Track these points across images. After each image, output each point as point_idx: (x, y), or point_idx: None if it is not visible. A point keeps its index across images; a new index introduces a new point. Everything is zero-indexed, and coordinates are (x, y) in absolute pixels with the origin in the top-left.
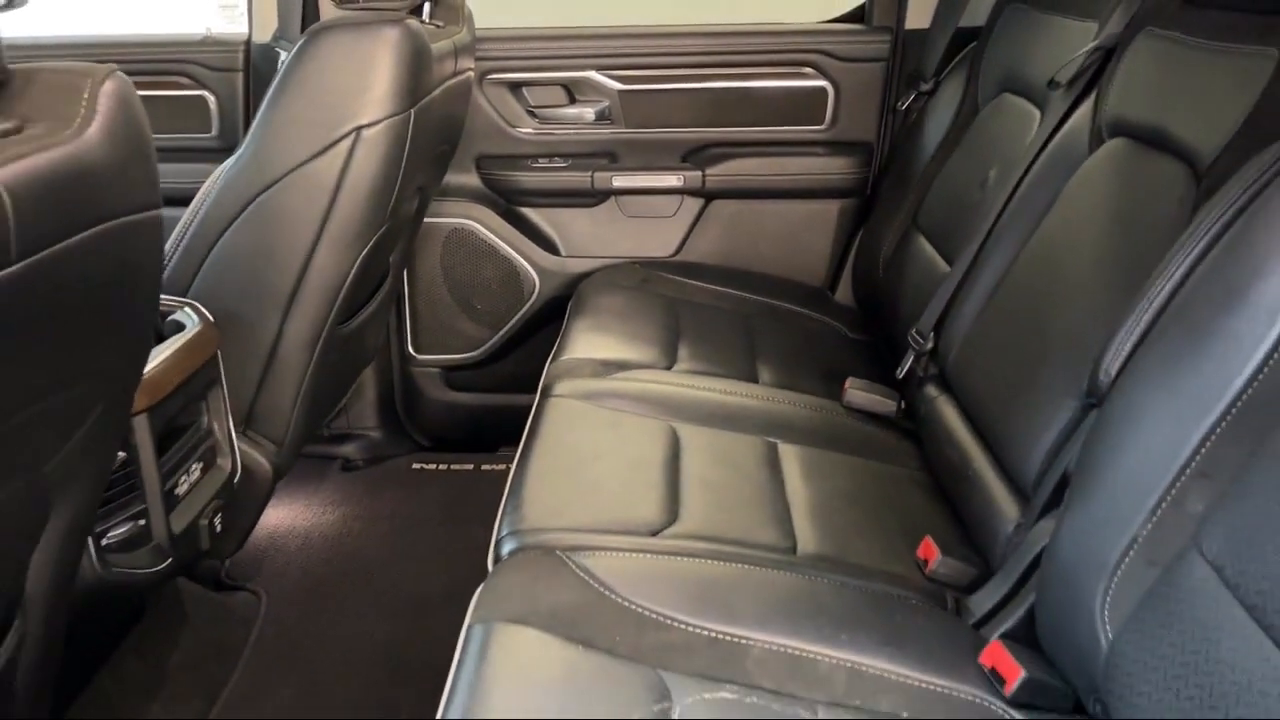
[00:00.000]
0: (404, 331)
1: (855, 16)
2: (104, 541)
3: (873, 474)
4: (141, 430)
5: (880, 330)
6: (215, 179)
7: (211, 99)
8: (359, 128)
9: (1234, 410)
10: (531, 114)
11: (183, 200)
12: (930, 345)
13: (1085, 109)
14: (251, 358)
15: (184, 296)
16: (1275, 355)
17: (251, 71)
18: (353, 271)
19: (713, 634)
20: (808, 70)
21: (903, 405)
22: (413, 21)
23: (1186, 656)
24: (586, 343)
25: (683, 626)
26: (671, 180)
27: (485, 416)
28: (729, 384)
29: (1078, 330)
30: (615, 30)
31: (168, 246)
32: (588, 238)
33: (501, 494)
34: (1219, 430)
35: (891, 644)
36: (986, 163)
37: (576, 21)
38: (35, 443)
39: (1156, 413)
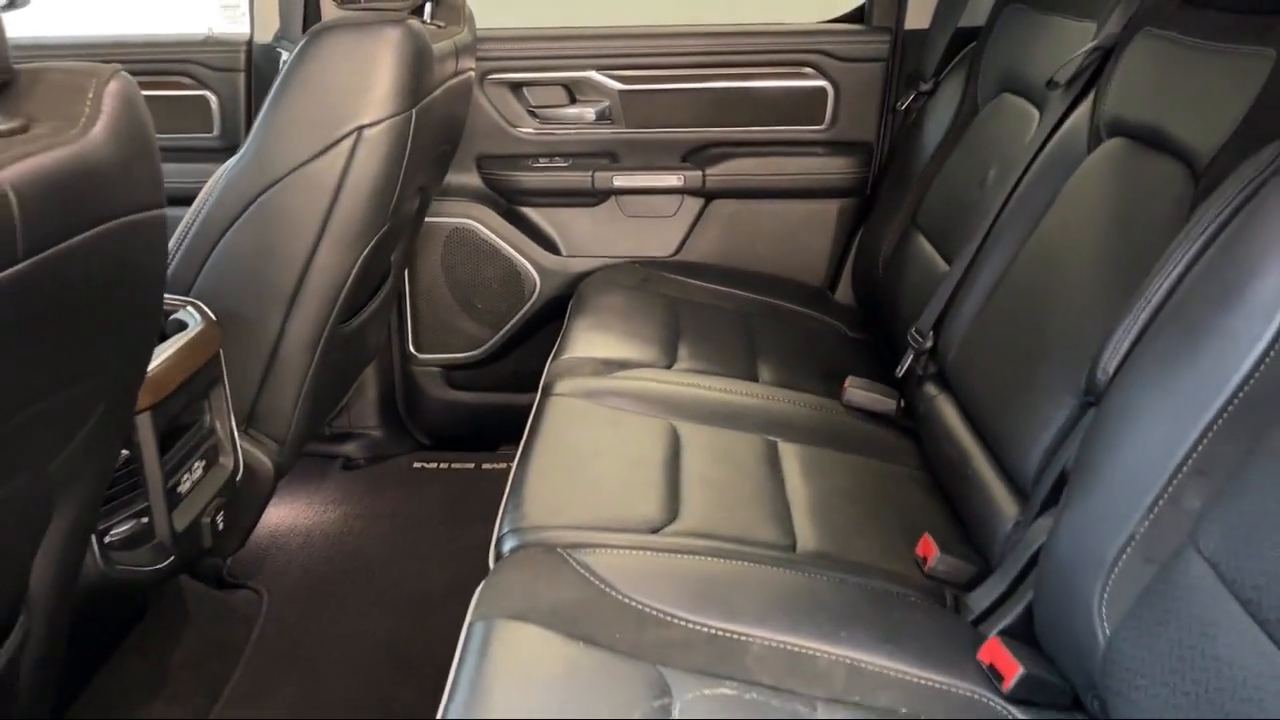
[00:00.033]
0: (405, 331)
1: (855, 17)
2: (107, 539)
3: (872, 472)
4: (144, 428)
5: (880, 329)
6: (217, 179)
7: (213, 99)
8: (360, 127)
9: (1231, 408)
10: (532, 114)
11: (185, 200)
12: (929, 344)
13: (1084, 109)
14: (253, 357)
15: (186, 295)
16: (1272, 353)
17: (253, 71)
18: (354, 271)
19: (712, 631)
20: (808, 70)
21: (902, 404)
22: (414, 22)
23: (1183, 652)
24: (587, 342)
25: (683, 623)
26: (672, 180)
27: (486, 415)
28: (729, 383)
29: (1076, 329)
30: (616, 30)
31: (170, 246)
32: (588, 237)
33: (502, 493)
34: (1216, 428)
35: (890, 641)
36: (986, 162)
37: (577, 22)
38: (39, 441)
39: (1154, 411)
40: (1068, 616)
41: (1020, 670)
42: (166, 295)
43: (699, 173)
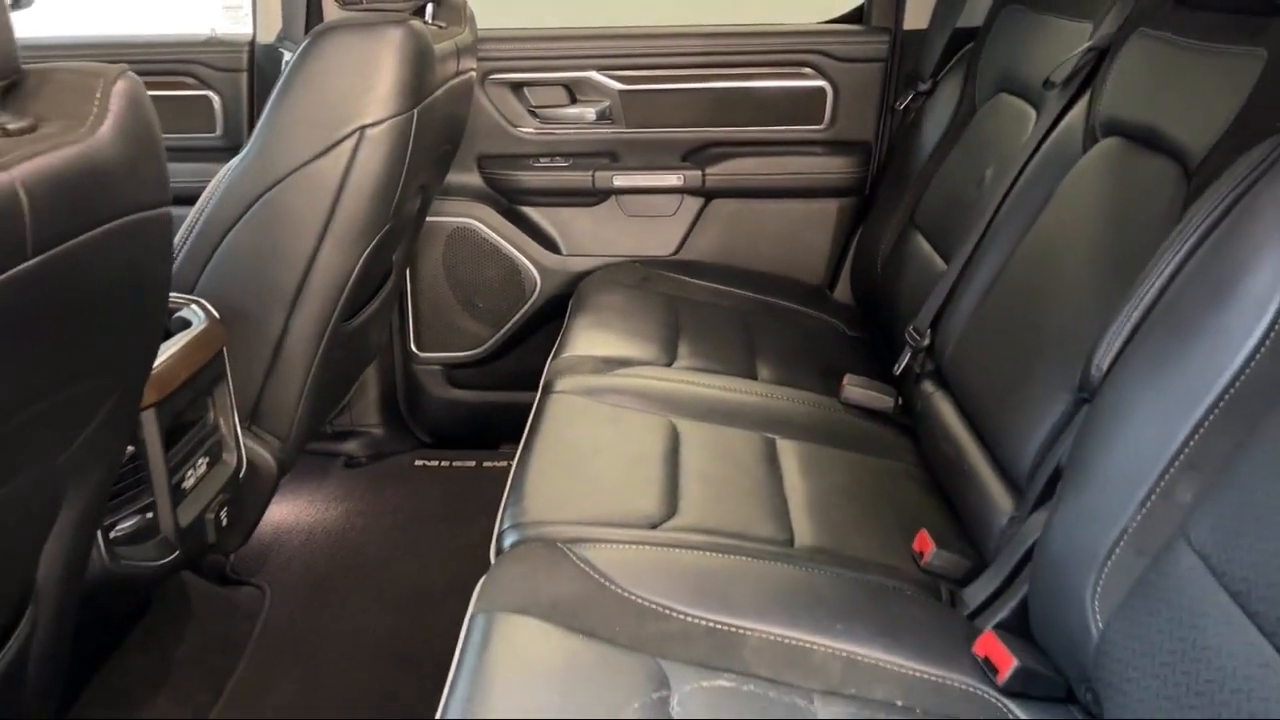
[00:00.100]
0: (406, 329)
1: (854, 17)
2: (112, 534)
3: (870, 469)
4: (149, 425)
5: (878, 328)
6: (220, 178)
7: (216, 99)
8: (363, 127)
9: (1222, 403)
10: (533, 114)
11: (187, 199)
12: (927, 342)
13: (1079, 109)
14: (257, 354)
15: (190, 294)
16: (1262, 349)
17: (256, 72)
18: (356, 269)
19: (711, 624)
20: (807, 70)
21: (899, 401)
22: (416, 22)
23: (1174, 644)
24: (587, 340)
25: (681, 616)
26: (672, 179)
27: (487, 414)
28: (728, 380)
29: (1071, 326)
30: (616, 31)
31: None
32: (588, 237)
33: (503, 490)
34: (1207, 423)
35: (887, 634)
36: (983, 162)
37: (577, 22)
38: (49, 435)
39: (1146, 406)
40: (1062, 610)
41: (1015, 663)
42: (171, 293)
43: (699, 172)
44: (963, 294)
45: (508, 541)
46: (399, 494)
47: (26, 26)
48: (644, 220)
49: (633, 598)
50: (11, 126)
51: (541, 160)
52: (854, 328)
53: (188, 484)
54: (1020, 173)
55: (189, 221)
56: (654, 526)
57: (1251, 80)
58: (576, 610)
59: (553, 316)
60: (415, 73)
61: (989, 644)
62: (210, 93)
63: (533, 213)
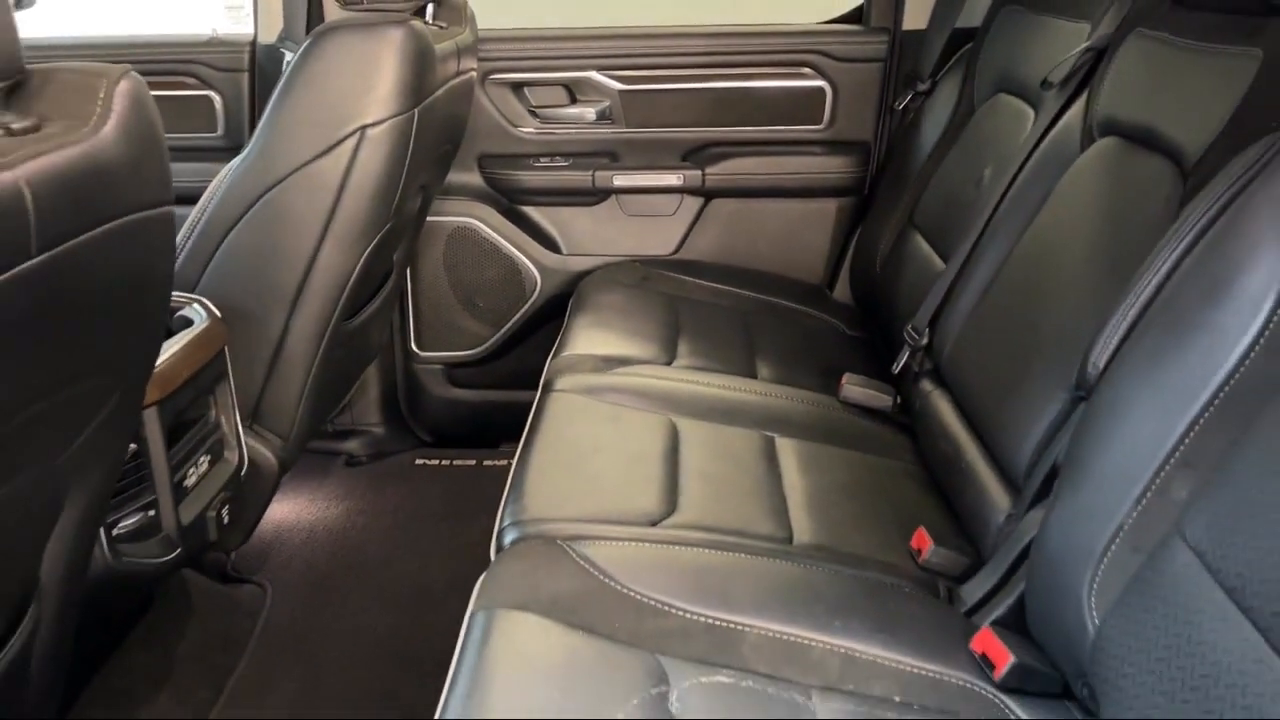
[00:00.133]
0: (407, 329)
1: (853, 17)
2: (115, 532)
3: (868, 467)
4: (151, 423)
5: (877, 327)
6: (222, 178)
7: (217, 99)
8: (364, 127)
9: (1217, 401)
10: (533, 114)
11: (189, 199)
12: (925, 341)
13: (1077, 108)
14: (258, 353)
15: (192, 293)
16: (1257, 347)
17: (257, 72)
18: (357, 269)
19: (710, 620)
20: (806, 70)
21: (898, 400)
22: (416, 22)
23: (1169, 639)
24: (587, 339)
25: (681, 613)
26: (671, 179)
27: (487, 413)
28: (728, 379)
29: (1068, 325)
30: (616, 31)
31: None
32: (588, 236)
33: (503, 489)
34: (1202, 421)
35: (884, 630)
36: (982, 162)
37: (577, 23)
38: (52, 433)
39: (1142, 404)
40: (1058, 606)
41: (1011, 659)
42: (172, 292)
43: (698, 172)
44: (961, 293)
45: (508, 539)
46: (400, 493)
47: (28, 27)
48: (644, 220)
49: (632, 594)
50: (15, 126)
51: (542, 160)
52: (853, 327)
53: (189, 482)
54: (1018, 172)
55: (190, 221)
56: (653, 524)
57: (1247, 80)
58: (576, 607)
59: (553, 316)
60: (416, 73)
61: (986, 640)
62: (212, 93)
63: (533, 212)
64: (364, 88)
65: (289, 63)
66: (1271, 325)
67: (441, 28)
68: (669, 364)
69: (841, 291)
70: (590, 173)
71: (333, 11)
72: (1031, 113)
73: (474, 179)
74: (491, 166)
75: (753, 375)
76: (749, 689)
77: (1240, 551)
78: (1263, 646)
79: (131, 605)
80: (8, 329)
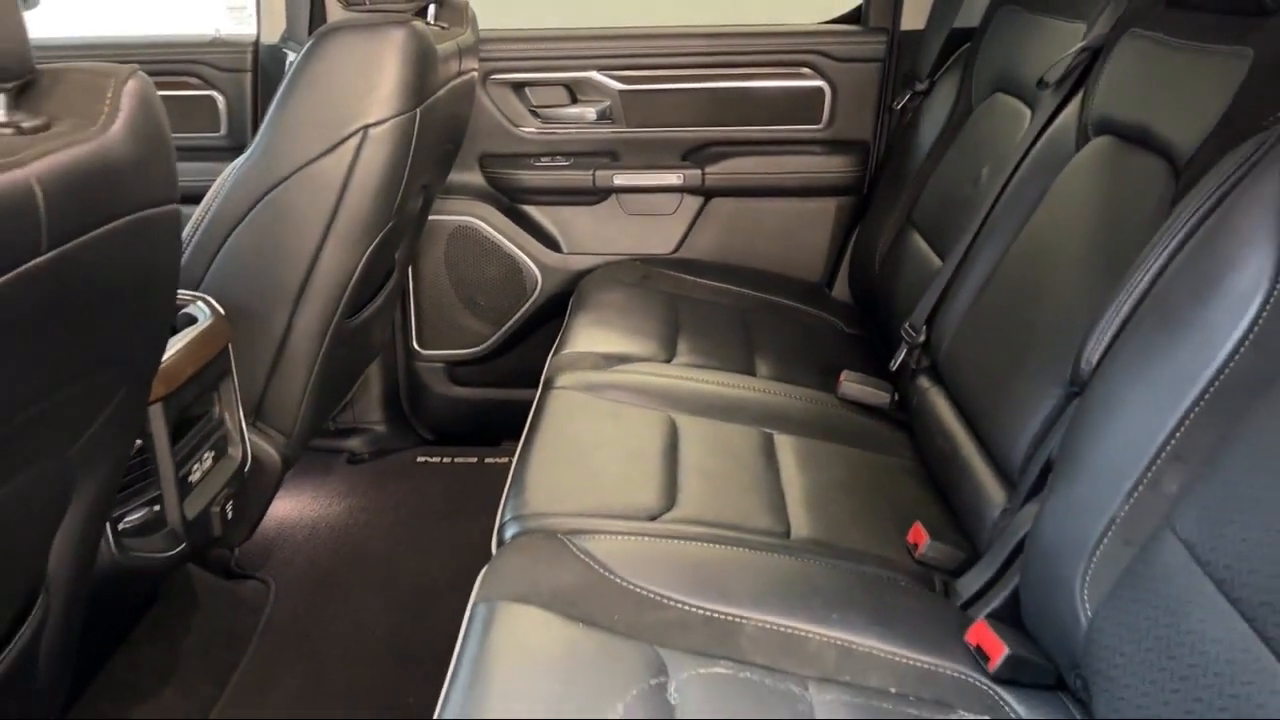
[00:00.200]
0: (409, 327)
1: (852, 18)
2: (120, 526)
3: (866, 463)
4: (157, 418)
5: (875, 325)
6: (225, 177)
7: (220, 99)
8: (366, 126)
9: (1207, 396)
10: (534, 113)
11: (192, 198)
12: (922, 338)
13: (1073, 108)
14: (261, 351)
15: (196, 291)
16: (1246, 343)
17: (260, 72)
18: (359, 267)
19: (708, 613)
20: (805, 70)
21: (896, 397)
22: (418, 23)
23: (1160, 630)
24: (588, 337)
25: (679, 605)
26: (671, 178)
27: (488, 411)
28: (727, 376)
29: (1063, 322)
30: (616, 31)
31: None
32: (589, 235)
33: (504, 486)
34: (1193, 415)
35: (881, 623)
36: (979, 161)
37: (578, 23)
38: (61, 427)
39: (1134, 399)
40: (1052, 599)
41: (1006, 651)
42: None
43: (698, 171)
44: (958, 291)
45: (509, 533)
46: (401, 490)
47: (32, 27)
48: (644, 219)
49: (632, 587)
50: (26, 125)
51: (542, 159)
52: (852, 325)
53: (194, 477)
54: (1015, 171)
55: (194, 220)
56: (653, 518)
57: (1238, 79)
58: (576, 599)
59: (553, 314)
60: (418, 73)
61: (981, 633)
62: (215, 93)
63: (534, 211)
64: (366, 88)
65: (292, 63)
66: (1260, 322)
67: (443, 28)
68: (669, 361)
69: (840, 290)
70: (591, 172)
71: (335, 12)
72: (1028, 112)
73: (475, 178)
74: (493, 166)
75: (752, 373)
76: (747, 680)
77: (1229, 543)
78: (1250, 636)
79: (136, 600)
80: (19, 324)
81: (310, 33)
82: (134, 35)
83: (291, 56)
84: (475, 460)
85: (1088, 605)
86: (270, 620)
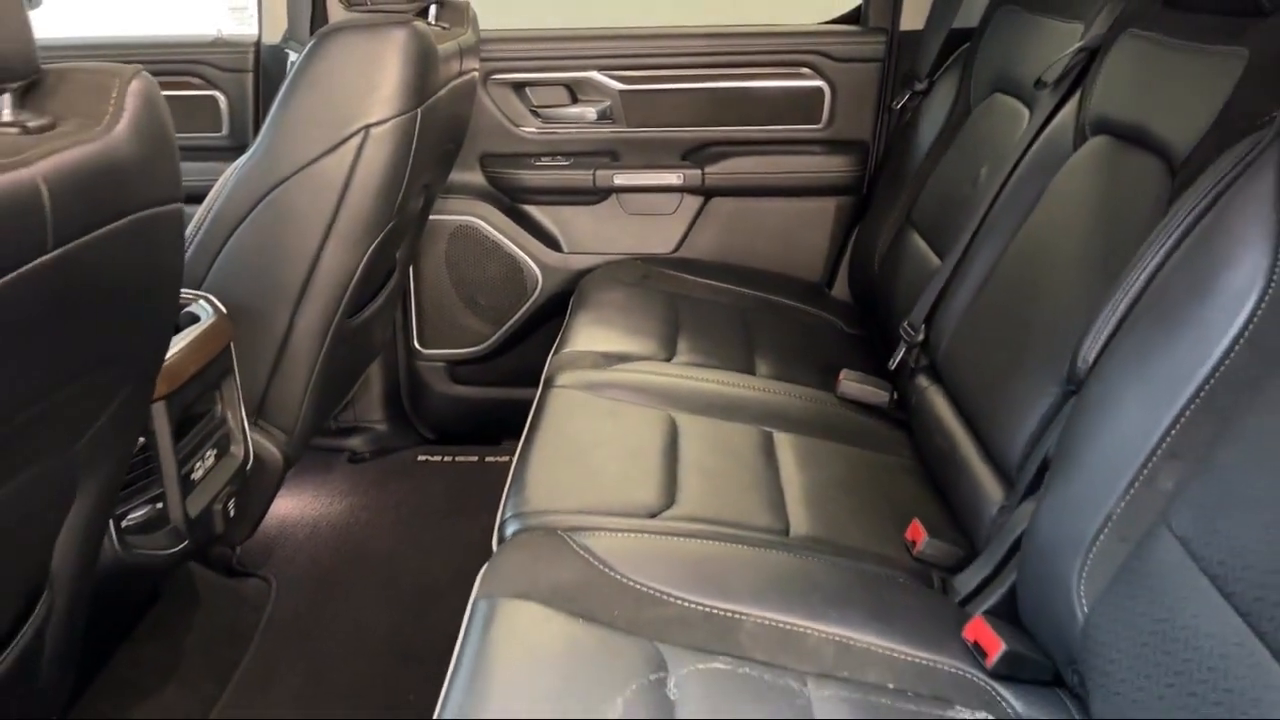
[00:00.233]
0: (410, 326)
1: (851, 18)
2: (124, 524)
3: (865, 462)
4: (160, 416)
5: (875, 324)
6: (228, 177)
7: (222, 99)
8: (367, 126)
9: (1203, 394)
10: (535, 113)
11: (194, 198)
12: (921, 337)
13: (1070, 107)
14: (263, 349)
15: (198, 290)
16: (1241, 341)
17: (261, 72)
18: (360, 267)
19: (708, 609)
20: (805, 70)
21: (895, 396)
22: (419, 23)
23: (1155, 625)
24: (588, 336)
25: (679, 602)
26: (672, 178)
27: (489, 410)
28: (726, 375)
29: (1060, 320)
30: (616, 31)
31: None
32: (589, 235)
33: (504, 485)
34: (1189, 413)
35: (879, 619)
36: (978, 160)
37: (578, 23)
38: (67, 422)
39: (1131, 397)
40: (1049, 595)
41: (1003, 647)
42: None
43: (698, 171)
44: (956, 290)
45: (509, 530)
46: (402, 489)
47: (34, 27)
48: (644, 218)
49: (632, 583)
50: (31, 124)
51: (543, 159)
52: (851, 324)
53: (196, 475)
54: (1013, 171)
55: (197, 219)
56: (653, 516)
57: (1234, 79)
58: (576, 595)
59: (554, 313)
60: (419, 73)
61: (978, 629)
62: (216, 93)
63: (534, 211)
64: (368, 87)
65: (293, 63)
66: (1255, 320)
67: (444, 28)
68: (669, 360)
69: (840, 289)
70: (591, 172)
71: (336, 12)
72: (1027, 112)
73: (476, 178)
74: (493, 166)
75: (751, 371)
76: (746, 675)
77: (1224, 539)
78: (1244, 630)
79: (139, 598)
80: (24, 322)
81: (311, 33)
82: (136, 35)
83: (293, 57)
84: (476, 459)
85: (1084, 601)
86: (272, 618)
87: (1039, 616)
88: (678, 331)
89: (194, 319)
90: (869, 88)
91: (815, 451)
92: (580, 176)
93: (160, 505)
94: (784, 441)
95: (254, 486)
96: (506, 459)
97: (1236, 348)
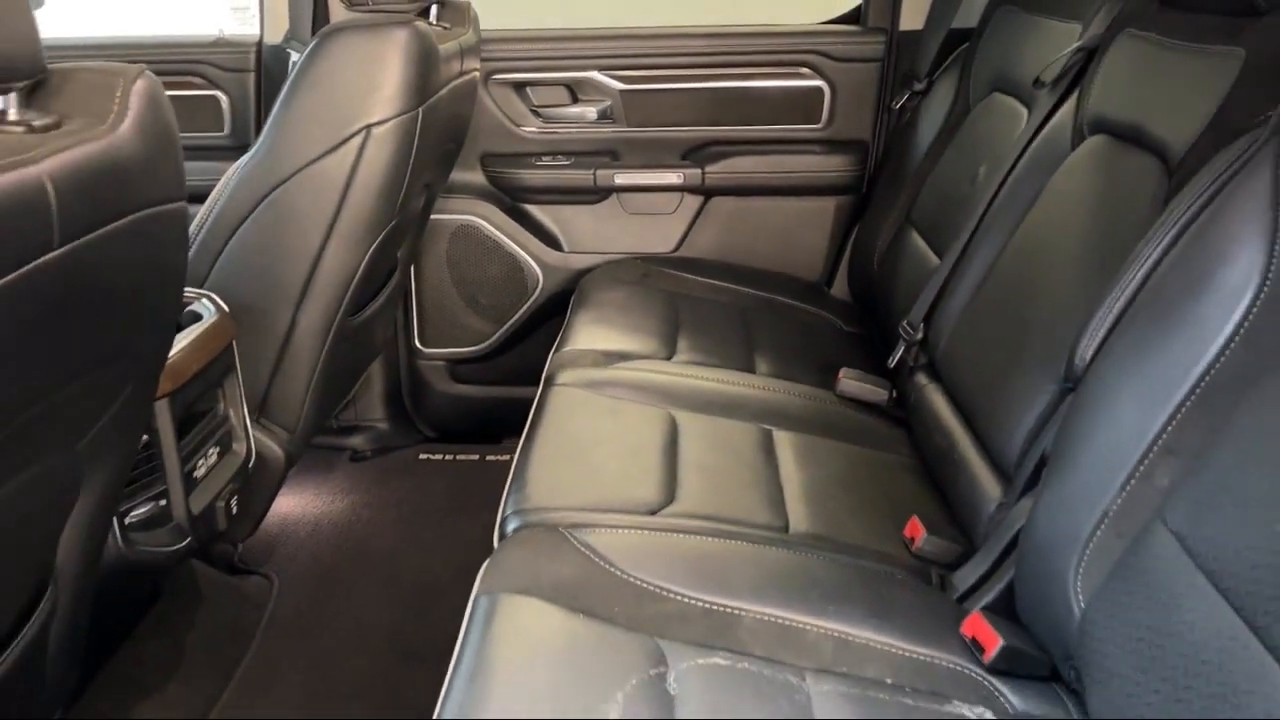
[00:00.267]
0: (411, 325)
1: (851, 18)
2: (127, 520)
3: (864, 460)
4: (163, 414)
5: (874, 323)
6: (230, 176)
7: (224, 99)
8: (369, 126)
9: (1199, 390)
10: (535, 113)
11: (196, 197)
12: (920, 336)
13: (1068, 107)
14: (265, 348)
15: (200, 288)
16: (1237, 338)
17: (263, 72)
18: (362, 265)
19: (707, 605)
20: (805, 70)
21: (894, 394)
22: (421, 23)
23: (1151, 620)
24: (588, 334)
25: (679, 598)
26: (672, 178)
27: (490, 408)
28: (726, 374)
29: (1058, 318)
30: (617, 31)
31: None
32: (590, 234)
33: (505, 483)
34: (1184, 409)
35: (878, 616)
36: (977, 160)
37: (579, 23)
38: (72, 419)
39: (1127, 394)
40: (1046, 591)
41: (1000, 642)
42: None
43: (698, 170)
44: (955, 289)
45: (510, 527)
46: (403, 487)
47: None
48: (644, 218)
49: (632, 580)
50: (37, 123)
51: (544, 159)
52: (851, 323)
53: (199, 473)
54: (1011, 170)
55: (199, 218)
56: (653, 513)
57: (1230, 79)
58: (577, 591)
59: (555, 313)
60: (420, 72)
61: (976, 624)
62: (218, 92)
63: (535, 210)
64: (369, 87)
65: (295, 63)
66: (1250, 318)
67: (445, 28)
68: (669, 359)
69: (840, 288)
70: (591, 171)
71: (338, 13)
72: (1025, 112)
73: (477, 178)
74: (494, 165)
75: (751, 370)
76: (745, 670)
77: (1219, 535)
78: (1238, 625)
79: (142, 594)
80: (30, 318)
81: (313, 33)
82: (138, 35)
83: (295, 56)
84: (477, 458)
85: (1081, 597)
86: (274, 615)
87: (1036, 612)
88: (678, 330)
89: (196, 317)
90: (868, 87)
91: (815, 449)
92: (581, 176)
93: (163, 502)
94: (784, 439)
95: (256, 484)
96: (507, 458)
97: (1232, 345)
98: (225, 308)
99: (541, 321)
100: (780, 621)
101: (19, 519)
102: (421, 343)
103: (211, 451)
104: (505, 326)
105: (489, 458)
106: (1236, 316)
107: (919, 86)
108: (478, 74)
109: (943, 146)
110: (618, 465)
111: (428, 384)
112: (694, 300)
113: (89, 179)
